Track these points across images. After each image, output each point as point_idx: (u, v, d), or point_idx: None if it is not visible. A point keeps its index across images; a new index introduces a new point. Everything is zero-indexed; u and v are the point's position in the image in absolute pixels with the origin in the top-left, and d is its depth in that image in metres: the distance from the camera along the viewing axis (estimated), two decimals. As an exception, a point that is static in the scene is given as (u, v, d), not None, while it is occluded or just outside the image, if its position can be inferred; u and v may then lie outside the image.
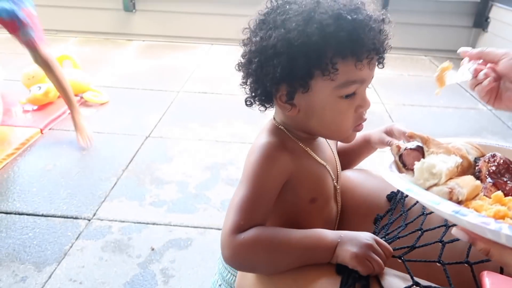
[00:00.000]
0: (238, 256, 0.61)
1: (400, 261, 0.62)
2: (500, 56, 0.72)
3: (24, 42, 1.81)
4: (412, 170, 0.58)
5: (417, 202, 0.75)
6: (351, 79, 0.63)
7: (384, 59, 0.67)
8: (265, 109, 0.72)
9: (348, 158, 0.88)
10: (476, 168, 0.60)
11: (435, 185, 0.55)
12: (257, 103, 0.71)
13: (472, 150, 0.64)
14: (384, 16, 0.65)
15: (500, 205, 0.50)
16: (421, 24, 3.60)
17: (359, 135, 0.85)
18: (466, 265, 0.62)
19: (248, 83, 0.69)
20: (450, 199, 0.52)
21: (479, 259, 0.61)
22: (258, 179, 0.65)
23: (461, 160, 0.58)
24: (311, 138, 0.74)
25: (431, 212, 0.72)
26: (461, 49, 0.77)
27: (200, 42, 3.72)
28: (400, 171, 0.62)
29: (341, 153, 0.84)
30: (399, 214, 0.75)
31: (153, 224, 1.47)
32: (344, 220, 0.79)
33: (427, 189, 0.55)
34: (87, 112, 2.33)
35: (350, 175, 0.84)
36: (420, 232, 0.68)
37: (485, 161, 0.60)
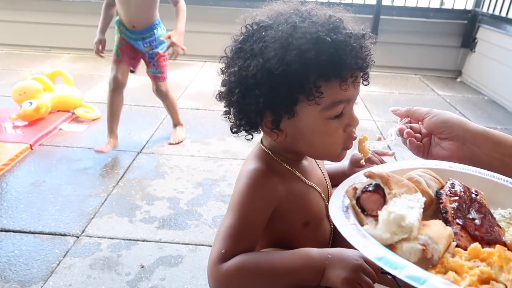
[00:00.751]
0: (223, 285, 0.59)
1: (390, 277, 0.61)
2: (424, 115, 0.75)
3: (151, 76, 2.15)
4: (373, 216, 0.52)
5: None
6: (336, 100, 0.61)
7: (368, 75, 0.66)
8: (252, 137, 0.70)
9: (334, 181, 0.87)
10: (441, 206, 0.56)
11: (405, 239, 0.49)
12: (243, 131, 0.69)
13: (431, 181, 0.61)
14: (364, 32, 0.63)
15: (479, 260, 0.48)
16: (411, 44, 3.68)
17: (338, 167, 0.85)
18: None
19: (231, 113, 0.68)
20: (423, 257, 0.47)
21: None
22: (245, 208, 0.63)
23: (424, 199, 0.54)
24: (299, 160, 0.73)
25: None
26: (392, 108, 0.81)
27: (193, 59, 3.75)
28: (358, 217, 0.54)
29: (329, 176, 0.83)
30: None
31: (143, 241, 1.45)
32: (337, 237, 0.78)
33: (395, 243, 0.49)
34: (78, 128, 2.31)
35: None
36: None
37: (447, 195, 0.57)
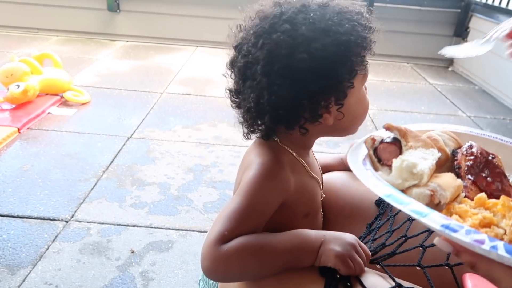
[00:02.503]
0: (219, 268, 0.58)
1: (378, 266, 0.62)
2: None
3: None
4: (388, 166, 0.55)
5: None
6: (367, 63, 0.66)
7: None
8: (270, 137, 0.67)
9: (335, 169, 0.88)
10: (455, 162, 0.58)
11: (415, 185, 0.52)
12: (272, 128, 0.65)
13: (449, 141, 0.62)
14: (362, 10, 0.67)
15: (484, 209, 0.49)
16: (404, 32, 3.67)
17: (335, 157, 0.85)
18: (446, 267, 0.62)
19: (253, 111, 0.64)
20: (431, 202, 0.50)
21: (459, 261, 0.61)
22: (255, 195, 0.62)
23: (439, 154, 0.56)
24: (307, 150, 0.72)
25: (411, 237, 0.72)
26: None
27: (184, 44, 3.70)
28: (374, 166, 0.58)
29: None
30: (386, 219, 0.74)
31: (134, 226, 1.44)
32: (327, 223, 0.79)
33: (406, 189, 0.52)
34: (67, 112, 2.28)
35: (333, 178, 0.83)
36: (403, 238, 0.68)
37: (463, 154, 0.58)
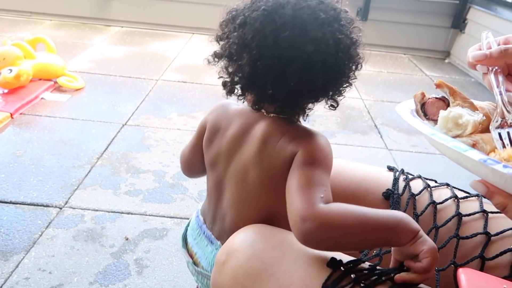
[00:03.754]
0: (322, 229, 0.53)
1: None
2: None
3: None
4: (434, 120, 0.57)
5: (408, 202, 0.73)
6: None
7: None
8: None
9: None
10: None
11: (458, 136, 0.54)
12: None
13: (494, 111, 0.62)
14: None
15: None
16: (401, 23, 3.65)
17: None
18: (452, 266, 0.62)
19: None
20: None
21: (466, 259, 0.61)
22: (328, 162, 0.60)
23: (484, 118, 0.57)
24: None
25: (422, 213, 0.71)
26: (475, 56, 0.64)
27: (181, 30, 3.65)
28: (421, 119, 0.60)
29: None
30: None
31: (128, 213, 1.44)
32: None
33: None
34: (61, 97, 2.25)
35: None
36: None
37: (506, 122, 0.59)
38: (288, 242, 0.60)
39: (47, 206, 1.43)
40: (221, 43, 0.65)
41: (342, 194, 0.77)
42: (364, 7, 3.55)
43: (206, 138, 0.71)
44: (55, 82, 2.35)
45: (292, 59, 0.56)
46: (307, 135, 0.63)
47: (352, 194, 0.77)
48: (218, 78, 0.66)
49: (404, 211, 0.73)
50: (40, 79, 2.33)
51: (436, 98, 0.60)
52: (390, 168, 0.79)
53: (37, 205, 1.43)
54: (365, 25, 3.61)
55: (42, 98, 2.20)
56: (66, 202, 1.46)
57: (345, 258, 0.58)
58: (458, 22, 3.59)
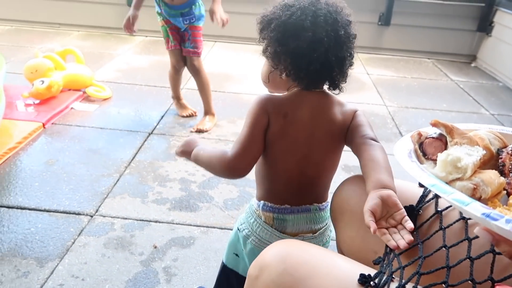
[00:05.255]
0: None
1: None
2: None
3: (185, 51, 2.12)
4: (433, 160, 0.56)
5: (432, 217, 0.72)
6: None
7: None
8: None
9: None
10: (500, 161, 0.58)
11: (459, 179, 0.53)
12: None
13: (495, 140, 0.62)
14: None
15: None
16: (425, 27, 3.60)
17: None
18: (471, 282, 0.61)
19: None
20: (473, 195, 0.51)
21: (503, 275, 0.60)
22: None
23: (484, 151, 0.57)
24: None
25: (449, 226, 0.70)
26: None
27: (203, 38, 3.70)
28: (419, 159, 0.59)
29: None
30: (417, 228, 0.72)
31: (156, 222, 1.47)
32: (342, 225, 0.79)
33: (449, 182, 0.53)
34: (89, 107, 2.32)
35: (360, 179, 0.83)
36: (444, 249, 0.66)
37: (508, 153, 0.58)
38: (319, 257, 0.61)
39: (78, 214, 1.48)
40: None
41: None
42: (387, 12, 3.52)
43: (276, 128, 0.78)
44: (84, 92, 2.43)
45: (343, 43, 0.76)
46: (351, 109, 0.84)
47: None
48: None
49: (422, 224, 0.72)
50: (70, 90, 2.41)
51: (433, 138, 0.60)
52: (422, 185, 0.79)
53: (70, 213, 1.48)
54: (387, 30, 3.58)
55: (71, 108, 2.28)
56: (97, 210, 1.50)
57: (373, 272, 0.59)
58: (485, 25, 3.51)
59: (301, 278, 0.58)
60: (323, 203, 0.85)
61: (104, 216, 1.48)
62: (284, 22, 0.75)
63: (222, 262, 0.97)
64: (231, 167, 0.79)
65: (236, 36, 3.56)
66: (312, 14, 0.74)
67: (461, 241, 0.65)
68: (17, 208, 1.49)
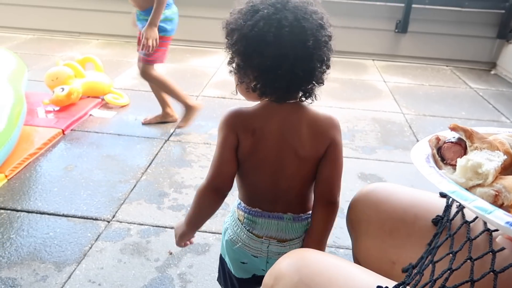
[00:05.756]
0: None
1: None
2: None
3: (139, 57, 2.14)
4: (452, 165, 0.54)
5: (462, 225, 0.71)
6: None
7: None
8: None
9: None
10: None
11: (479, 185, 0.51)
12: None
13: None
14: None
15: None
16: (443, 34, 3.56)
17: None
18: None
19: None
20: (495, 202, 0.49)
21: None
22: None
23: (505, 157, 0.54)
24: None
25: (476, 237, 0.68)
26: None
27: (219, 47, 3.73)
28: (437, 164, 0.57)
29: None
30: (445, 238, 0.70)
31: (171, 228, 1.47)
32: (364, 236, 0.77)
33: (470, 188, 0.51)
34: (108, 114, 2.36)
35: (376, 189, 0.82)
36: (469, 261, 0.64)
37: None
38: (335, 267, 0.60)
39: (96, 219, 1.50)
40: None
41: (390, 218, 0.76)
42: (404, 19, 3.50)
43: (245, 146, 0.77)
44: (102, 99, 2.47)
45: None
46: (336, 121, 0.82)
47: (400, 219, 0.76)
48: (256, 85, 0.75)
49: (451, 235, 0.70)
50: (89, 97, 2.46)
51: (452, 142, 0.57)
52: (443, 195, 0.77)
53: (87, 218, 1.50)
54: (404, 37, 3.55)
55: (90, 115, 2.32)
56: (114, 216, 1.52)
57: (390, 283, 0.58)
58: (505, 32, 3.45)
59: None
60: (301, 215, 0.83)
61: (120, 222, 1.49)
62: (245, 36, 0.70)
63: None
64: (211, 188, 0.82)
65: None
66: (276, 24, 0.68)
67: (486, 253, 0.63)
68: (36, 212, 1.51)
